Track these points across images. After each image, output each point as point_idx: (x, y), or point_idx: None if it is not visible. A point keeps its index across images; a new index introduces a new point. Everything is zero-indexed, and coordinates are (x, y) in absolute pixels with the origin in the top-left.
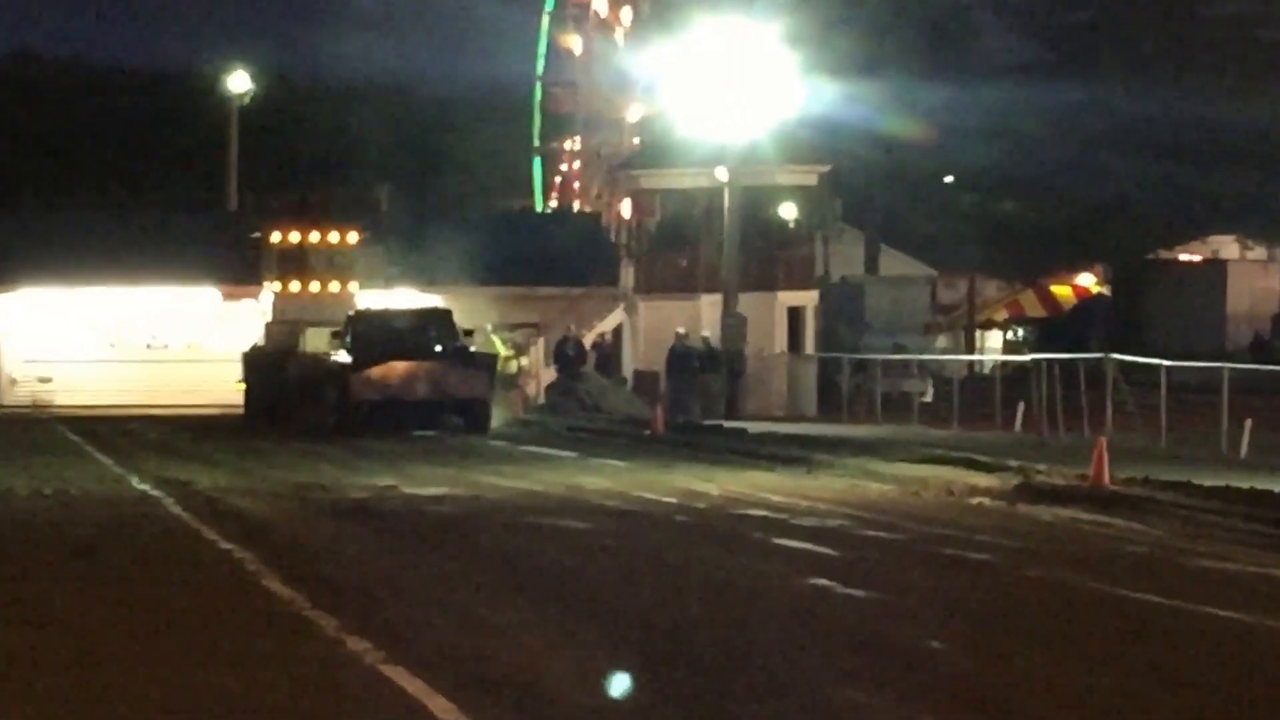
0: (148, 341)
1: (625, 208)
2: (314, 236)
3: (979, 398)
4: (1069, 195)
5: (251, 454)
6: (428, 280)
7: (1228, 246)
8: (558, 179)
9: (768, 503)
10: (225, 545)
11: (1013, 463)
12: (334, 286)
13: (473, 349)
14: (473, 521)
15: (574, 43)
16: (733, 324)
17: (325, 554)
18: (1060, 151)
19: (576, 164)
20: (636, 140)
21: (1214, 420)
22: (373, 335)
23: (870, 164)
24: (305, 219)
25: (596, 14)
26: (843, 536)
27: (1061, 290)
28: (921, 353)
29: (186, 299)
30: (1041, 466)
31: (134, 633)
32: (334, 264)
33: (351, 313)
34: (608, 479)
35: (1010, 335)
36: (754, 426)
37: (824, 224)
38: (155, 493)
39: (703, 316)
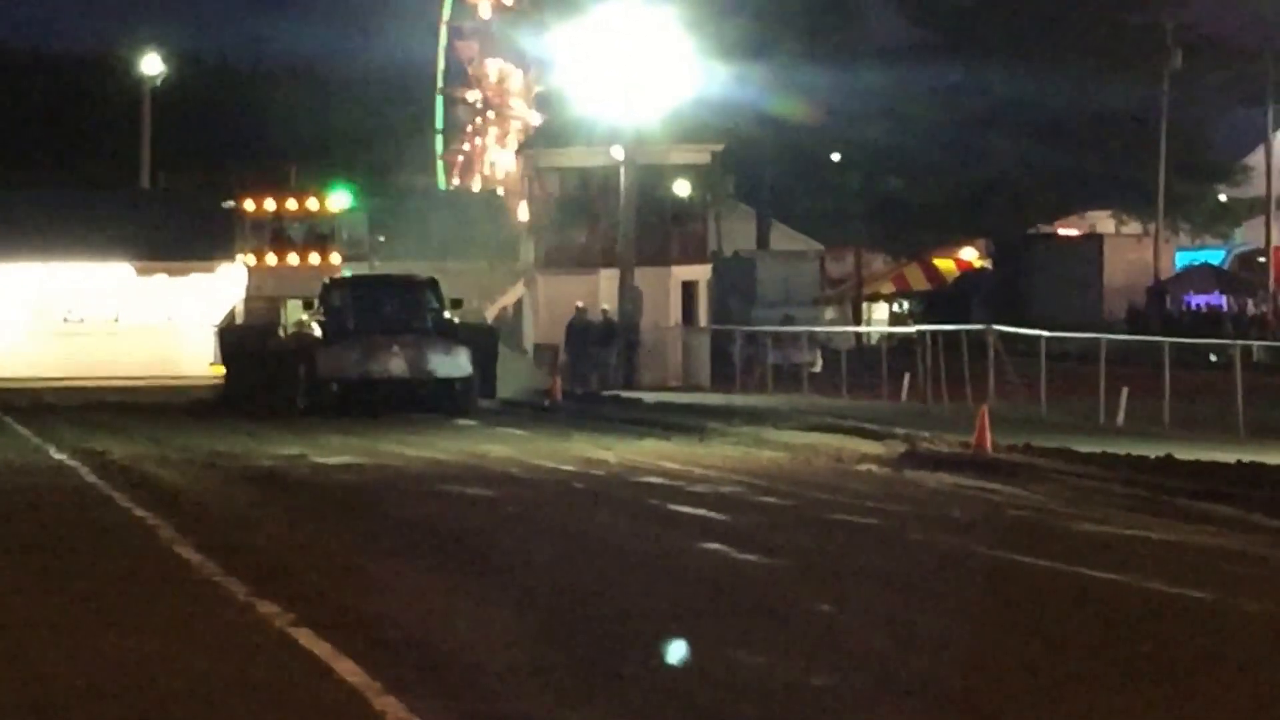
0: (64, 316)
1: (524, 185)
2: (291, 204)
3: (866, 368)
4: (952, 172)
5: (166, 425)
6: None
7: (1104, 221)
8: (460, 157)
9: (663, 470)
10: (139, 513)
11: (899, 431)
12: (314, 258)
13: (457, 320)
14: (379, 489)
15: (475, 23)
16: (629, 298)
17: (236, 521)
18: (943, 130)
19: (478, 141)
20: (535, 120)
21: (1092, 389)
22: (346, 307)
23: (760, 143)
24: (280, 187)
25: None
26: (736, 502)
27: (945, 264)
28: (811, 325)
29: (101, 275)
30: (926, 434)
31: (44, 599)
32: (313, 234)
33: (325, 281)
34: (509, 448)
35: (896, 308)
36: (650, 396)
37: (717, 201)
38: (72, 463)
39: (600, 291)
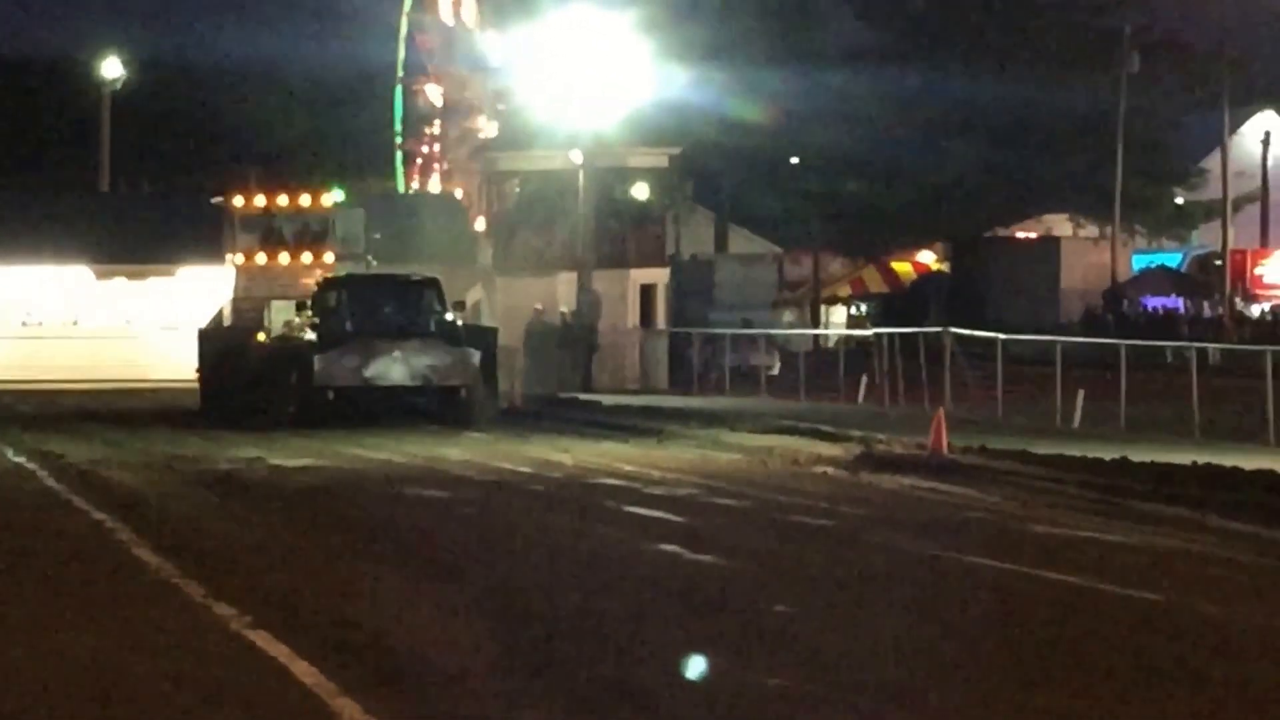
0: (23, 319)
1: (483, 188)
2: (282, 200)
3: (824, 371)
4: (909, 176)
5: (125, 427)
6: None
7: (1061, 224)
8: (419, 161)
9: (620, 472)
10: (97, 515)
11: (855, 433)
12: (306, 257)
13: (461, 324)
14: (337, 491)
15: (435, 27)
16: (587, 300)
17: (194, 523)
18: (901, 134)
19: (437, 147)
20: (495, 124)
21: (1049, 391)
22: (343, 309)
23: (719, 146)
24: (272, 181)
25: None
26: (692, 504)
27: (902, 267)
28: (769, 327)
29: (60, 278)
30: (883, 436)
31: (2, 599)
32: (306, 231)
33: (320, 281)
34: (467, 450)
35: (853, 310)
36: (608, 399)
37: (675, 204)
38: (30, 465)
39: (559, 293)
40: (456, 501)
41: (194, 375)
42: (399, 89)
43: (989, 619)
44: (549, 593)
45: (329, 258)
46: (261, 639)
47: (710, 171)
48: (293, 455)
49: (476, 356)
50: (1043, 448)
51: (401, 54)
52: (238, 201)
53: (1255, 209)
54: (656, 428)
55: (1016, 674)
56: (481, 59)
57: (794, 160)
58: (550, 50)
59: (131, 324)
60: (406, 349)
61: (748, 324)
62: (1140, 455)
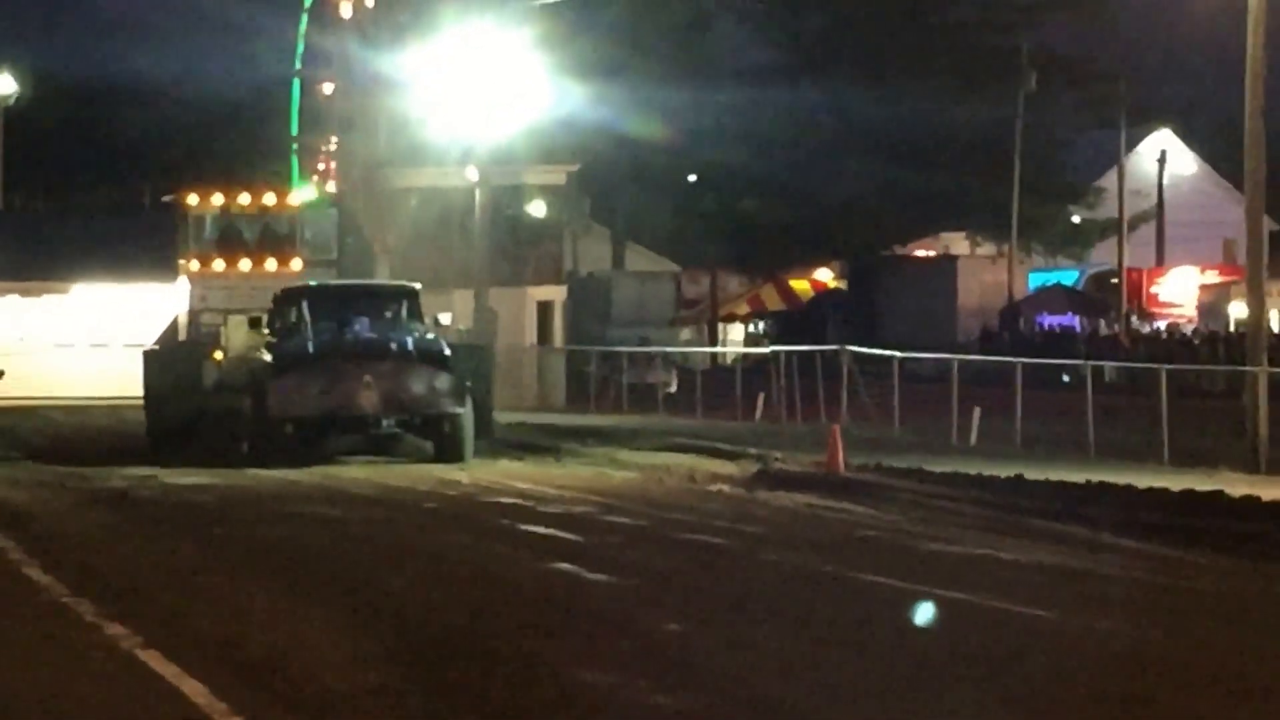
0: None
1: (379, 204)
2: (244, 199)
3: (721, 389)
4: (807, 194)
5: (17, 446)
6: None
7: (958, 243)
8: (315, 176)
9: (516, 490)
10: None
11: (752, 451)
12: (270, 264)
13: (445, 343)
14: (231, 510)
15: (330, 42)
16: (484, 318)
17: (86, 542)
18: (798, 152)
19: (333, 164)
20: (390, 139)
21: (945, 409)
22: (303, 325)
23: (616, 163)
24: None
25: (352, 14)
26: (587, 522)
27: (800, 285)
28: (666, 345)
29: None
30: (779, 454)
31: None
32: (270, 234)
33: (277, 294)
34: (362, 469)
35: (751, 328)
36: (505, 417)
37: (572, 221)
38: None
39: (455, 311)
40: (351, 520)
41: (119, 399)
42: (296, 82)
43: (882, 637)
44: (442, 612)
45: (296, 264)
46: (152, 658)
47: (608, 189)
48: (186, 473)
49: (462, 381)
50: (939, 465)
51: (300, 48)
52: (192, 200)
53: (1151, 227)
54: (553, 445)
55: (909, 691)
56: (379, 74)
57: (692, 178)
58: (447, 66)
59: (25, 340)
60: (379, 373)
61: (645, 342)
62: (1035, 473)
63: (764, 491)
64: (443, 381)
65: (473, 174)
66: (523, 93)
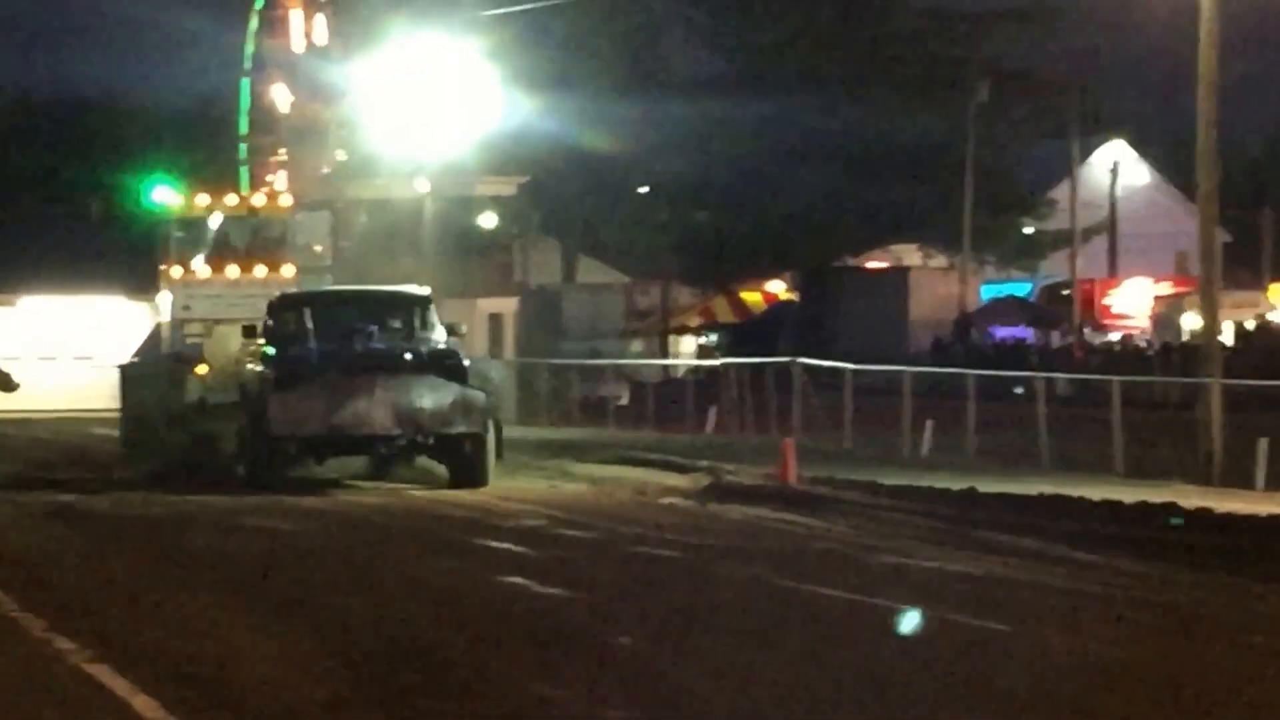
0: None
1: (329, 215)
2: (231, 199)
3: (673, 401)
4: (759, 205)
5: None
6: (135, 286)
7: (910, 254)
8: (271, 172)
9: (467, 503)
10: None
11: (704, 463)
12: (259, 270)
13: (464, 355)
14: (179, 523)
15: (279, 49)
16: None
17: (34, 556)
18: (750, 163)
19: (282, 174)
20: (340, 150)
21: (898, 421)
22: (305, 335)
23: (567, 175)
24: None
25: (301, 24)
26: (539, 536)
27: (752, 297)
28: (618, 358)
29: None
30: (731, 467)
31: None
32: (260, 238)
33: (274, 300)
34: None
35: (703, 340)
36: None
37: (523, 233)
38: None
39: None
40: (300, 533)
41: (68, 413)
42: (245, 82)
43: (835, 649)
44: (393, 626)
45: (288, 271)
46: (102, 673)
47: (559, 200)
48: (134, 486)
49: (483, 398)
50: (891, 478)
51: (250, 48)
52: (175, 202)
53: (1104, 239)
54: (504, 459)
55: (861, 702)
56: (330, 85)
57: (643, 190)
58: (397, 77)
59: None
60: (392, 386)
61: (596, 354)
62: (988, 485)
63: (716, 504)
64: (462, 397)
65: (423, 185)
66: (473, 104)
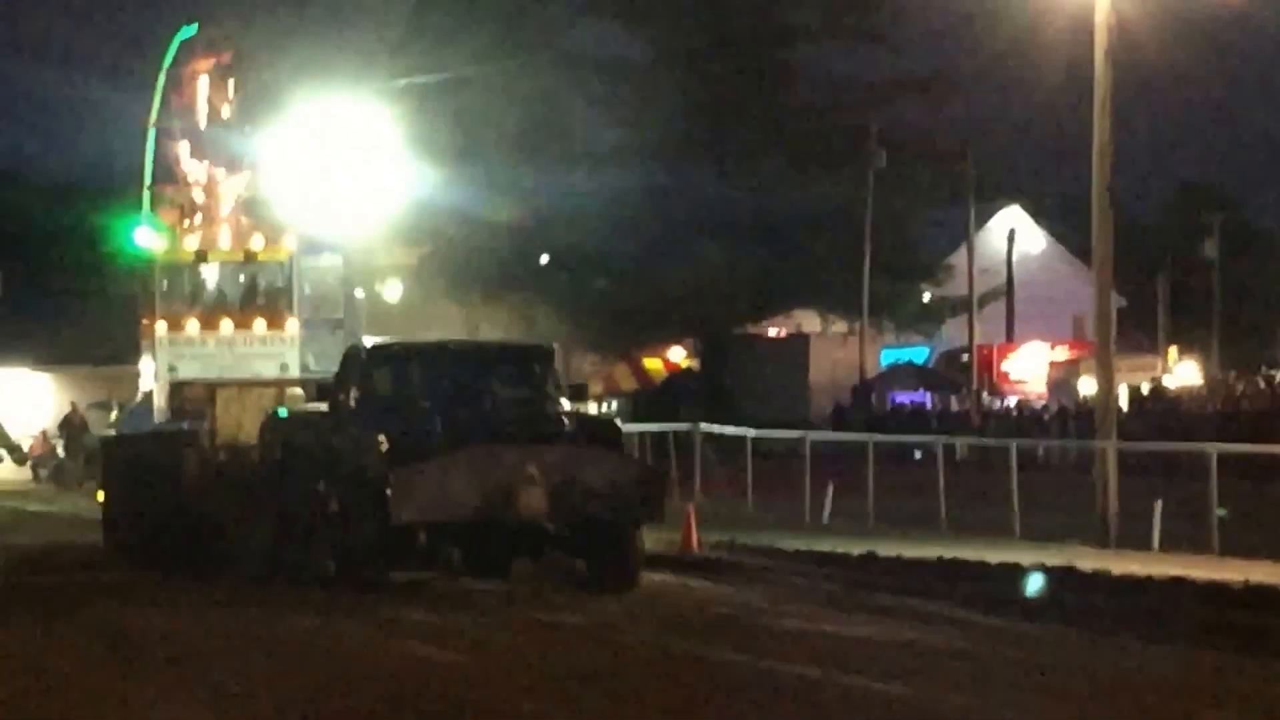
0: None
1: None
2: (224, 242)
3: None
4: (659, 273)
5: None
6: (43, 359)
7: (810, 320)
8: (182, 212)
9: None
10: None
11: None
12: (258, 325)
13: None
14: (91, 596)
15: (186, 124)
16: None
17: None
18: (650, 232)
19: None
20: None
21: (798, 486)
22: (413, 395)
23: (468, 245)
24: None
25: (207, 88)
26: (440, 601)
27: (653, 363)
28: None
29: None
30: None
31: None
32: (258, 288)
33: (364, 350)
34: None
35: (605, 407)
36: None
37: (425, 303)
38: None
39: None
40: (195, 604)
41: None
42: (152, 132)
43: (734, 714)
44: (292, 693)
45: (292, 326)
46: None
47: (460, 270)
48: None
49: (651, 473)
50: (792, 543)
51: (157, 101)
52: (161, 248)
53: (1001, 304)
54: None
55: None
56: (233, 158)
57: (544, 259)
58: (302, 149)
59: None
60: (546, 464)
61: None
62: (888, 549)
63: None
64: (627, 474)
65: (334, 259)
66: (375, 175)
